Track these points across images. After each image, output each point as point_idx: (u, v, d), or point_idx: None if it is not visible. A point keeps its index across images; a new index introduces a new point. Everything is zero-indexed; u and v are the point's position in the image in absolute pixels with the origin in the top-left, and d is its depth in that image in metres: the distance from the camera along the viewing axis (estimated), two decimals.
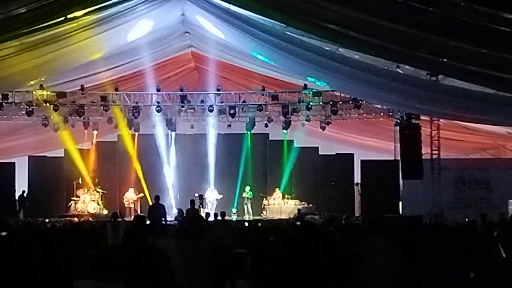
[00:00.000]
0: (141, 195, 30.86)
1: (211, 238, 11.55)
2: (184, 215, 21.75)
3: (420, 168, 28.98)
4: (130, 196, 30.73)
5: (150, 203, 25.48)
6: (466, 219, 23.03)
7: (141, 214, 19.13)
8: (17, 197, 31.73)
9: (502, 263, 8.45)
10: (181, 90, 31.18)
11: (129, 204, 30.51)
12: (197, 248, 10.04)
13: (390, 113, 30.53)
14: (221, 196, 31.01)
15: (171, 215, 27.34)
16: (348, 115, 31.62)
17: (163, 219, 22.42)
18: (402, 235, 13.39)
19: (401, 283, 10.04)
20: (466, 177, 30.55)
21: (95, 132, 32.97)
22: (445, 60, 16.76)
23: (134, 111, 30.90)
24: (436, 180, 29.67)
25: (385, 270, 9.38)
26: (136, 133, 33.03)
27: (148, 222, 24.02)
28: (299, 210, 28.61)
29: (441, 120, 29.21)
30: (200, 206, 27.94)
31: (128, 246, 10.73)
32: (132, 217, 28.96)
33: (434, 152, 29.90)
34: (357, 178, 33.01)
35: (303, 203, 31.12)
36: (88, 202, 30.53)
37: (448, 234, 14.96)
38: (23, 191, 31.90)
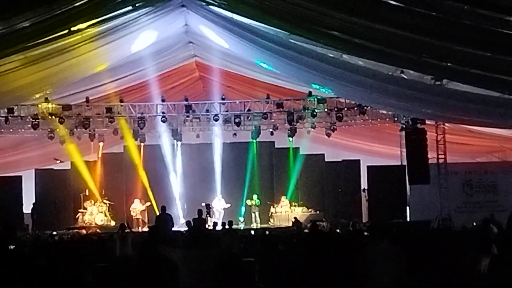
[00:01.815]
0: (148, 203, 30.87)
1: (219, 247, 11.54)
2: (192, 227, 21.78)
3: (426, 173, 28.93)
4: (136, 207, 30.75)
5: (157, 213, 25.49)
6: (474, 223, 23.01)
7: (155, 225, 19.09)
8: (30, 210, 31.66)
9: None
10: (186, 99, 31.23)
11: (136, 215, 30.53)
12: (205, 258, 10.01)
13: (395, 118, 30.49)
14: (229, 205, 31.03)
15: (179, 225, 27.36)
16: (353, 121, 31.60)
17: (171, 229, 22.47)
18: (409, 240, 13.36)
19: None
20: (473, 180, 30.49)
21: (101, 144, 33.02)
22: (449, 64, 16.75)
23: (140, 121, 30.95)
24: (443, 184, 29.61)
25: (390, 275, 9.39)
26: (142, 144, 33.09)
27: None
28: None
29: (446, 124, 29.17)
30: (207, 215, 27.96)
31: (144, 257, 10.77)
32: (140, 228, 29.33)
33: (440, 156, 29.86)
34: (364, 184, 32.97)
35: (310, 210, 31.12)
36: (95, 214, 30.59)
37: (455, 239, 14.90)
38: (34, 204, 31.88)
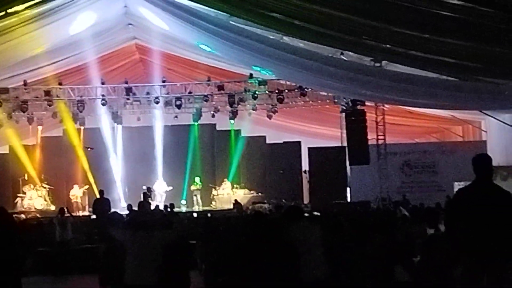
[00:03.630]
0: (87, 187, 30.56)
1: (162, 230, 11.51)
2: (132, 209, 21.77)
3: (366, 154, 29.23)
4: (75, 192, 30.43)
5: (97, 197, 25.35)
6: (410, 205, 23.40)
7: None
8: None
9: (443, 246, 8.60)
10: (126, 82, 30.93)
11: (75, 199, 30.20)
12: (148, 241, 10.00)
13: (336, 100, 30.66)
14: (171, 187, 30.93)
15: (120, 209, 27.17)
16: (294, 103, 31.72)
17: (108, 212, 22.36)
18: (349, 220, 13.48)
19: (340, 266, 10.24)
20: (412, 161, 30.90)
21: (39, 128, 32.54)
22: (388, 46, 16.92)
23: (79, 105, 30.56)
24: (383, 165, 29.96)
25: (321, 255, 9.57)
26: (82, 127, 32.69)
27: (94, 216, 24.14)
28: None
29: (386, 105, 29.48)
30: (149, 198, 27.86)
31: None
32: (80, 212, 29.06)
33: (380, 137, 30.17)
34: (305, 165, 33.19)
35: (252, 192, 31.20)
36: (34, 199, 30.13)
37: (393, 219, 15.10)
38: None
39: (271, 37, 20.05)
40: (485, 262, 7.17)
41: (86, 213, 28.75)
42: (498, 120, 27.85)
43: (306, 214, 13.51)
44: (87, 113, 31.95)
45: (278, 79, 29.91)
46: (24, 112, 30.51)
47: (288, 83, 30.07)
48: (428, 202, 23.43)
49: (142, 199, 23.54)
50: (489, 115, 28.20)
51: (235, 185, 31.69)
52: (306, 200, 31.88)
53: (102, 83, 30.49)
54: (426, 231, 11.03)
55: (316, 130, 36.27)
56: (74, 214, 26.28)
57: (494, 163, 7.75)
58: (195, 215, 26.39)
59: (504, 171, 24.93)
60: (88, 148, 31.96)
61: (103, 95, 30.61)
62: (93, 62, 28.59)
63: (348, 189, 31.14)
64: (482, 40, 14.17)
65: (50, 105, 30.53)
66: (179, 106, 30.97)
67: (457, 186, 27.19)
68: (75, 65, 29.70)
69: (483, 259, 7.17)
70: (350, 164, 30.41)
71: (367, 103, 29.18)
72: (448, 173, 29.69)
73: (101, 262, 11.40)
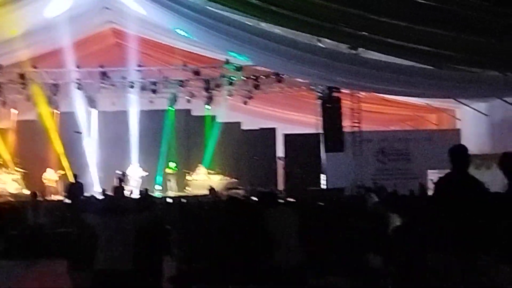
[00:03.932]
0: (62, 172, 30.41)
1: (136, 215, 11.48)
2: (107, 194, 21.63)
3: (341, 141, 29.32)
4: (49, 176, 30.24)
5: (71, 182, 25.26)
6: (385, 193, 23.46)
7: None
8: None
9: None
10: (101, 66, 30.70)
11: (49, 183, 30.02)
12: (122, 226, 9.96)
13: (312, 87, 30.67)
14: (146, 173, 30.84)
15: (94, 193, 27.05)
16: (270, 89, 31.67)
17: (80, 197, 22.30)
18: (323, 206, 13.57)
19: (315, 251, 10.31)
20: (386, 148, 30.93)
21: (13, 111, 32.30)
22: (365, 33, 16.96)
23: (54, 88, 30.36)
24: (358, 152, 30.04)
25: (295, 241, 9.62)
26: (56, 111, 32.46)
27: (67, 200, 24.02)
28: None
29: (361, 93, 29.55)
30: (123, 183, 27.80)
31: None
32: (53, 196, 28.89)
33: (355, 124, 30.25)
34: (281, 152, 33.23)
35: (227, 178, 31.15)
36: (8, 183, 29.91)
37: (365, 206, 15.19)
38: None
39: (248, 23, 20.03)
40: (460, 254, 7.23)
41: (60, 197, 28.58)
42: (472, 108, 28.05)
43: (280, 201, 13.54)
44: (62, 97, 31.70)
45: (254, 65, 29.85)
46: None
47: (264, 69, 30.02)
48: (402, 190, 23.52)
49: (117, 185, 23.48)
50: (463, 104, 28.40)
51: (210, 171, 31.63)
52: (280, 186, 31.91)
53: (78, 67, 30.24)
54: (399, 218, 11.09)
55: (292, 117, 36.28)
56: (48, 198, 26.16)
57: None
58: (169, 200, 26.33)
59: (478, 160, 25.11)
60: (77, 132, 31.73)
61: (78, 79, 30.40)
62: (68, 46, 28.33)
63: (323, 176, 31.17)
64: (459, 29, 14.24)
65: (24, 89, 30.28)
66: (154, 91, 30.86)
67: (431, 174, 27.35)
68: (50, 49, 29.46)
69: (458, 250, 7.23)
70: (325, 151, 30.43)
71: (343, 90, 29.23)
72: (422, 161, 29.80)
73: (70, 246, 11.35)
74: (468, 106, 28.18)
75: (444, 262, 7.34)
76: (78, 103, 31.79)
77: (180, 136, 33.50)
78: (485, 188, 7.60)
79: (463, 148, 7.76)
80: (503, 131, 27.04)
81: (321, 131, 30.38)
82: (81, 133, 31.59)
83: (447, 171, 7.68)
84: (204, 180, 30.81)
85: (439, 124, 35.09)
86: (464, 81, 20.22)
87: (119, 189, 21.61)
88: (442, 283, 7.43)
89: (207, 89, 30.99)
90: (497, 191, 7.56)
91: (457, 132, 30.68)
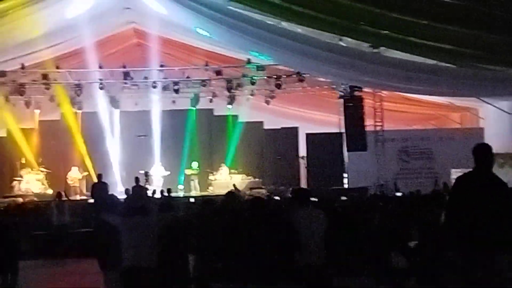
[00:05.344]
0: (86, 173, 30.58)
1: (158, 215, 11.53)
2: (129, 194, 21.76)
3: (364, 140, 29.30)
4: (73, 175, 30.39)
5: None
6: (410, 192, 23.38)
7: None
8: None
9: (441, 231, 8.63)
10: (124, 66, 30.82)
11: (73, 183, 30.18)
12: (145, 226, 10.01)
13: (334, 86, 30.64)
14: (168, 172, 30.91)
15: (117, 193, 27.15)
16: (292, 88, 31.66)
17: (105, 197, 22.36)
18: (346, 206, 13.54)
19: (336, 250, 10.27)
20: (409, 147, 30.83)
21: (37, 111, 32.51)
22: (386, 32, 16.90)
23: (77, 89, 30.54)
24: (380, 151, 29.98)
25: (316, 239, 9.57)
26: (80, 111, 32.65)
27: (92, 200, 24.10)
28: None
29: (383, 92, 29.47)
30: (146, 183, 27.90)
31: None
32: (78, 196, 29.05)
33: (377, 123, 30.19)
34: (303, 151, 33.20)
35: (249, 177, 31.17)
36: (32, 182, 30.11)
37: (390, 205, 15.14)
38: None
39: (269, 22, 20.02)
40: (480, 252, 7.20)
41: (84, 197, 28.71)
42: (495, 107, 27.85)
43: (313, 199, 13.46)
44: (84, 97, 31.87)
45: (276, 65, 29.83)
46: (21, 95, 30.46)
47: (286, 68, 30.01)
48: (425, 189, 23.41)
49: (134, 184, 23.65)
50: (487, 102, 28.21)
51: (232, 170, 31.66)
52: (303, 186, 31.84)
53: (100, 67, 30.38)
54: (422, 217, 11.05)
55: (314, 116, 36.23)
56: (71, 198, 26.31)
57: None
58: (192, 200, 26.36)
59: (501, 159, 24.96)
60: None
61: (100, 79, 30.54)
62: (90, 46, 28.48)
63: (345, 175, 31.13)
64: (482, 28, 14.17)
65: (47, 89, 30.49)
66: (177, 91, 30.92)
67: (454, 173, 27.18)
68: (73, 49, 29.65)
69: (478, 248, 7.19)
70: (348, 150, 30.40)
71: (365, 89, 29.19)
72: (445, 160, 29.68)
73: (98, 246, 11.40)
74: (491, 104, 27.98)
75: (466, 260, 7.31)
76: (100, 103, 31.95)
77: (202, 136, 33.55)
78: (508, 187, 7.55)
79: (487, 147, 7.71)
80: None
81: (343, 130, 30.35)
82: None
83: (471, 170, 7.65)
84: (226, 179, 30.83)
85: (462, 123, 34.89)
86: (486, 80, 20.11)
87: (136, 189, 21.81)
88: (464, 282, 7.39)
89: (229, 89, 31.02)
90: None
91: (480, 130, 30.52)
